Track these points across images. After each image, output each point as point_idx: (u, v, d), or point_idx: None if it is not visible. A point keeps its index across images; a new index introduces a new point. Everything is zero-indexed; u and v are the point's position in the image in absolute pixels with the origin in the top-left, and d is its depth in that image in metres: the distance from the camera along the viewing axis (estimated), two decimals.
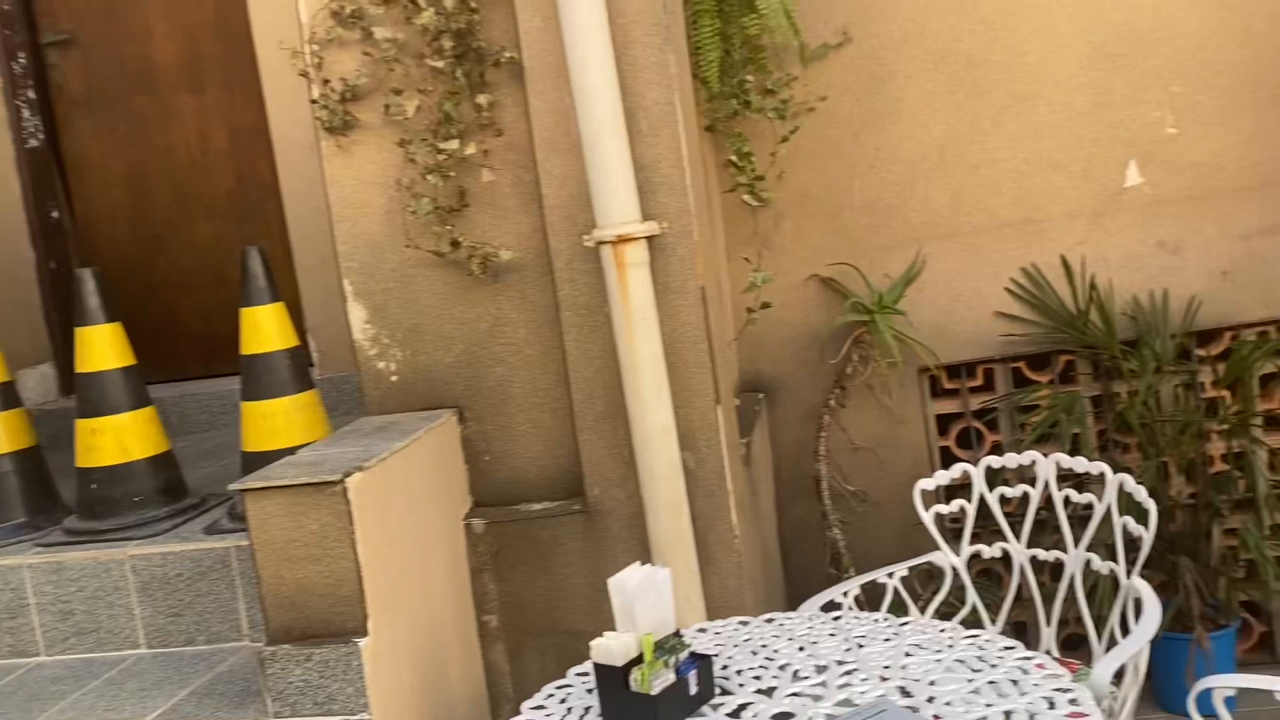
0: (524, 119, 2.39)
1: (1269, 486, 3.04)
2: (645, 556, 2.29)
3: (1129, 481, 2.34)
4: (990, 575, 3.23)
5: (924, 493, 2.62)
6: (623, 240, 2.22)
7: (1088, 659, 2.51)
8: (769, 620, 2.07)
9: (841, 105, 3.22)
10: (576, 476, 2.44)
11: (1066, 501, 2.52)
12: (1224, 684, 1.64)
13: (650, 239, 2.27)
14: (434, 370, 2.50)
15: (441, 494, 2.41)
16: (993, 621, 2.63)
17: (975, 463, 2.63)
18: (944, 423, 3.36)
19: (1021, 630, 3.25)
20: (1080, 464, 2.46)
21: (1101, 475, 2.42)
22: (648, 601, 1.81)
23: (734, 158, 3.13)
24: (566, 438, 2.45)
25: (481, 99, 2.39)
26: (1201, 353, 3.17)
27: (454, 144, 2.38)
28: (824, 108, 3.22)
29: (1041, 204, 3.17)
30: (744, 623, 2.07)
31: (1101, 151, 3.13)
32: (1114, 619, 2.37)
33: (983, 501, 2.61)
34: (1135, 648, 2.02)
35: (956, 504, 2.64)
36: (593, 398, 2.39)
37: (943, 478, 2.64)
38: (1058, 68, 3.12)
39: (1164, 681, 3.03)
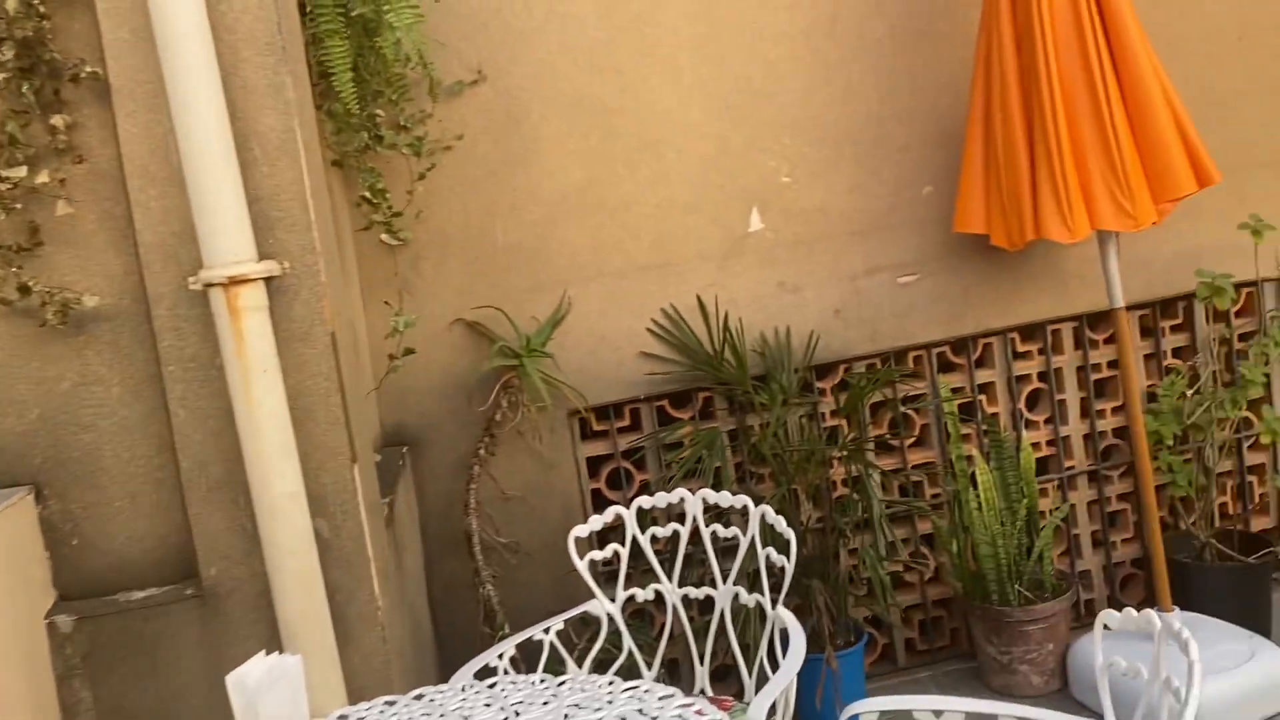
0: (113, 144, 2.06)
1: (883, 507, 3.29)
2: (275, 641, 2.03)
3: (770, 513, 2.41)
4: (643, 615, 3.24)
5: (578, 540, 2.56)
6: (236, 282, 1.96)
7: (739, 689, 2.56)
8: (418, 696, 1.88)
9: (479, 144, 3.13)
10: (189, 556, 2.12)
11: (714, 537, 2.55)
12: (868, 708, 1.69)
13: (269, 280, 2.03)
14: (1, 441, 2.08)
15: (15, 590, 2.00)
16: (649, 664, 2.61)
17: (626, 504, 2.61)
18: (594, 465, 3.34)
19: (675, 667, 3.28)
20: (725, 498, 2.51)
21: (745, 509, 2.48)
22: (276, 695, 1.58)
23: (367, 194, 2.94)
24: (176, 512, 2.12)
25: (57, 120, 2.04)
26: (821, 385, 3.40)
27: (20, 171, 2.00)
28: (462, 146, 3.11)
29: (676, 247, 3.26)
30: (391, 703, 1.87)
31: (727, 197, 3.27)
32: (762, 650, 2.42)
33: (635, 542, 2.59)
34: (786, 681, 2.05)
35: (610, 548, 2.60)
36: (206, 464, 2.09)
37: (596, 523, 2.59)
38: (684, 116, 3.23)
39: (801, 700, 3.16)
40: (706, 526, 2.56)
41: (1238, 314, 3.58)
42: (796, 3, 3.26)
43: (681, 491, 2.58)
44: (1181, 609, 3.19)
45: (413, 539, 2.98)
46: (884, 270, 3.37)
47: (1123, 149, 2.86)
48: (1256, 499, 3.69)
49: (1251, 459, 3.66)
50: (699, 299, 3.26)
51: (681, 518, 2.60)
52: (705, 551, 2.58)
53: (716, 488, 3.03)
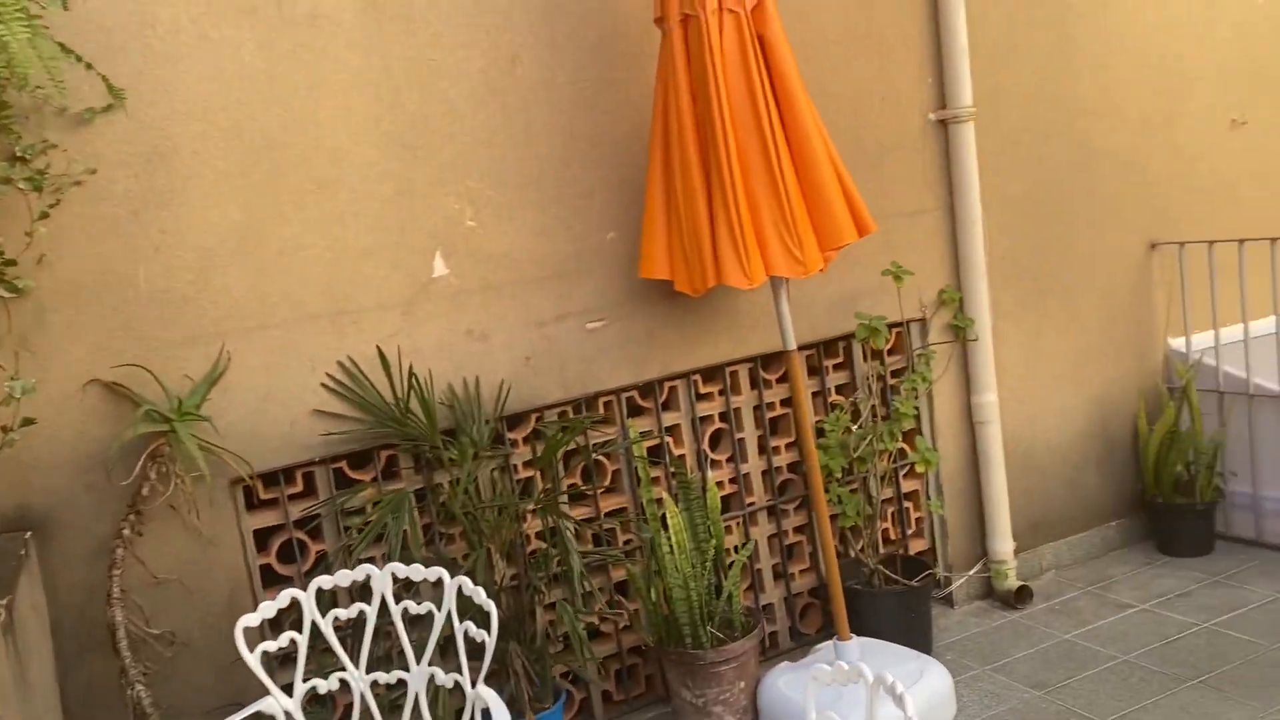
0: None
1: (581, 559, 3.21)
2: None
3: (467, 584, 2.24)
4: (325, 700, 2.94)
5: (247, 630, 2.25)
6: None
7: None
8: None
9: (118, 180, 2.74)
10: None
11: (405, 614, 2.34)
12: None
13: None
14: None
15: None
16: None
17: (301, 578, 2.35)
18: (263, 537, 3.00)
19: None
20: (417, 572, 2.31)
21: (439, 581, 2.30)
22: None
23: None
24: None
25: None
26: (513, 436, 3.28)
27: None
28: (96, 182, 2.71)
29: (353, 294, 3.02)
30: None
31: (409, 241, 3.09)
32: None
33: (316, 624, 2.32)
34: None
35: (286, 637, 2.31)
36: None
37: (268, 609, 2.30)
38: (358, 154, 3.01)
39: None
40: (397, 602, 2.35)
41: (889, 352, 3.87)
42: (473, 41, 3.15)
43: (368, 568, 2.35)
44: (856, 634, 3.36)
45: (41, 642, 2.51)
46: (572, 316, 3.32)
47: (792, 201, 2.99)
48: (914, 524, 4.00)
49: (907, 486, 3.96)
50: (379, 350, 3.04)
51: (367, 593, 2.37)
52: (396, 627, 2.36)
53: (405, 555, 2.82)
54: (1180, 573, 4.04)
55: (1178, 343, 4.38)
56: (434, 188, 3.11)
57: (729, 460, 3.65)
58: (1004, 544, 4.00)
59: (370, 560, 2.99)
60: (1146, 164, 4.31)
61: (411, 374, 3.05)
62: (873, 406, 3.74)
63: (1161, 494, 4.20)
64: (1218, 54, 4.44)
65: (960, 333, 3.93)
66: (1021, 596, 3.93)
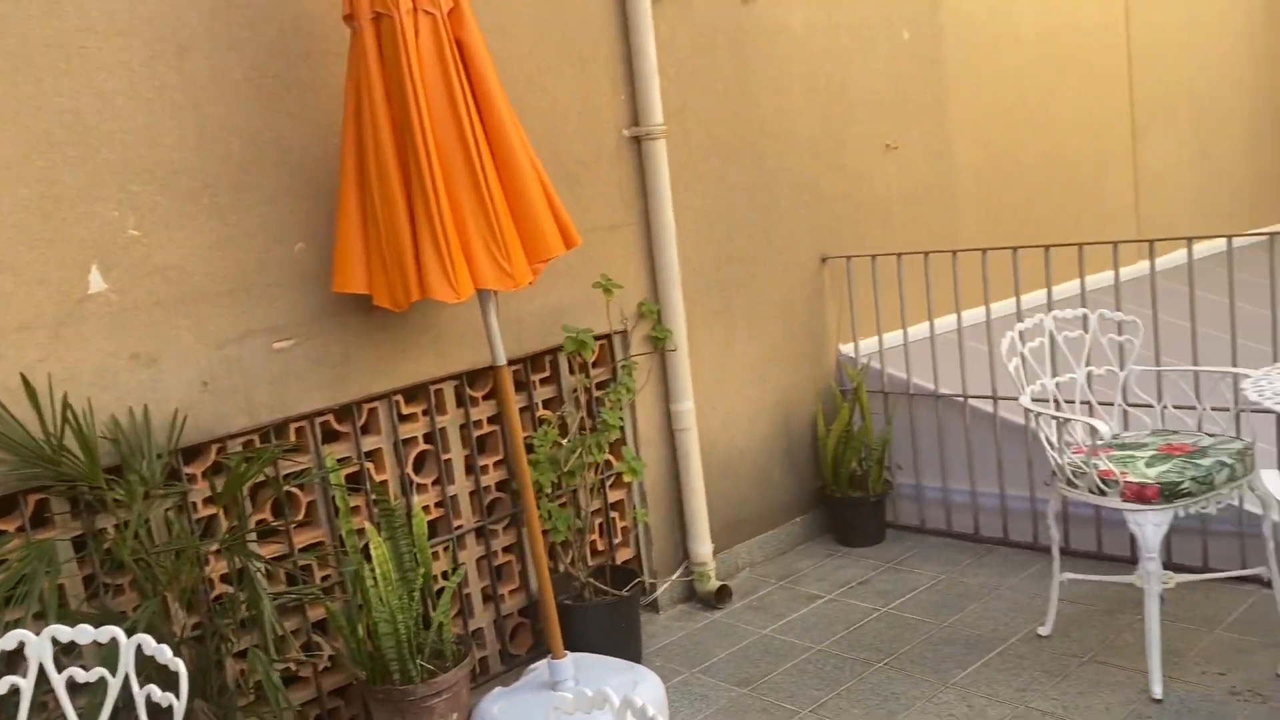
0: None
1: (271, 601, 2.93)
2: None
3: (150, 643, 1.96)
4: None
5: None
6: None
7: None
8: None
9: None
10: None
11: (71, 683, 2.01)
12: None
13: None
14: None
15: None
16: None
17: None
18: None
19: None
20: (85, 633, 1.98)
21: (114, 641, 1.99)
22: None
23: None
24: None
25: None
26: (190, 470, 2.95)
27: None
28: None
29: None
30: None
31: (58, 253, 2.69)
32: None
33: None
34: None
35: None
36: None
37: None
38: None
39: None
40: (59, 670, 2.01)
41: (593, 365, 3.88)
42: (133, 29, 2.80)
43: (21, 634, 1.99)
44: (569, 650, 3.32)
45: None
46: (257, 335, 3.04)
47: (499, 213, 2.91)
48: (620, 534, 4.03)
49: (613, 497, 3.99)
50: (24, 378, 2.62)
51: (17, 662, 2.01)
52: (59, 698, 2.02)
53: (65, 615, 2.44)
54: (859, 562, 4.36)
55: (848, 348, 4.73)
56: (88, 192, 2.73)
57: (435, 483, 3.49)
58: (704, 546, 4.13)
59: (15, 624, 2.56)
60: (817, 183, 4.64)
61: (66, 405, 2.66)
62: (580, 419, 3.73)
63: (839, 489, 4.52)
64: (874, 83, 4.86)
65: (659, 344, 4.02)
66: (721, 596, 4.07)
